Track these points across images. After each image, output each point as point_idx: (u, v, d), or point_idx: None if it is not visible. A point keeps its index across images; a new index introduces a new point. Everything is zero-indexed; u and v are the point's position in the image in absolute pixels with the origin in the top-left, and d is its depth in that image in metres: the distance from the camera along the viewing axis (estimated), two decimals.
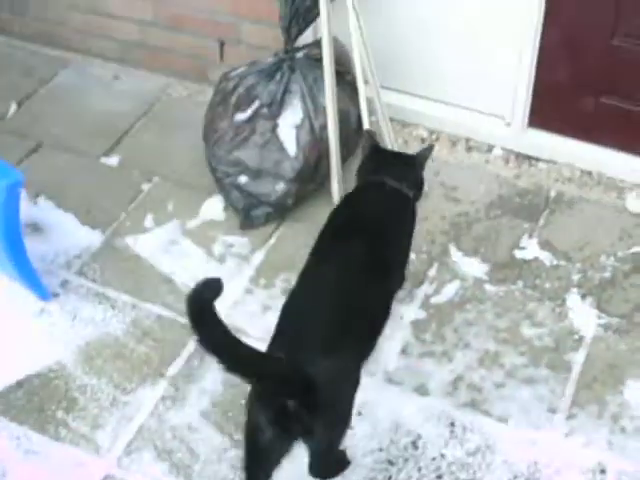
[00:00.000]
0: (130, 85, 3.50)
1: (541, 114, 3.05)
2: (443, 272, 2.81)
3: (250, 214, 2.91)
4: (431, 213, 2.96)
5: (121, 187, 3.10)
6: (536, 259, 2.84)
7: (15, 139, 3.27)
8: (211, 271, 2.80)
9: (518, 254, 2.86)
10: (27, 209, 2.90)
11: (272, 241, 2.91)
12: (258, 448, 2.15)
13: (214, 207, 3.00)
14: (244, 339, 2.54)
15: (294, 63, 2.89)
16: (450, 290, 2.76)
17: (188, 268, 2.83)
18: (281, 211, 2.93)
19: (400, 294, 2.71)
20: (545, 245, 2.88)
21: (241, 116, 2.89)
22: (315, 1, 2.78)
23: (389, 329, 2.60)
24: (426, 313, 2.70)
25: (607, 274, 2.80)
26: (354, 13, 2.81)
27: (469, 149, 3.18)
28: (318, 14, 2.83)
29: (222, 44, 3.28)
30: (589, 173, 3.08)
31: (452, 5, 2.95)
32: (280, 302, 2.66)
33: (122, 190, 3.08)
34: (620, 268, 2.81)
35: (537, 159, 3.12)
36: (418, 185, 2.56)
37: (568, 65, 2.92)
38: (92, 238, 2.92)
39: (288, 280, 2.77)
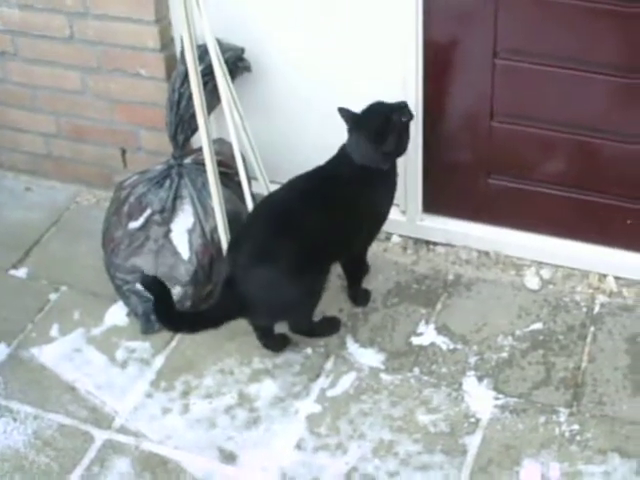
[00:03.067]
0: (41, 196, 3.56)
1: (434, 199, 3.10)
2: (339, 364, 2.82)
3: (150, 319, 2.93)
4: (328, 306, 3.00)
5: (29, 298, 3.13)
6: (433, 345, 2.86)
7: None
8: (114, 377, 2.84)
9: (415, 341, 2.88)
10: None
11: (173, 344, 2.93)
12: None
13: (118, 314, 3.03)
14: (144, 443, 2.64)
15: (182, 169, 2.96)
16: (346, 382, 2.77)
17: (91, 375, 2.85)
18: None
19: (295, 389, 2.75)
20: (442, 330, 2.90)
21: (134, 224, 2.95)
22: None
23: (282, 424, 2.66)
24: (321, 407, 2.70)
25: (504, 354, 2.82)
26: (237, 114, 2.89)
27: None
28: None
29: (123, 152, 3.36)
30: (486, 253, 3.12)
31: (335, 93, 3.02)
32: (180, 404, 2.74)
33: (29, 301, 3.12)
34: (518, 347, 2.83)
35: (435, 244, 3.17)
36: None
37: (453, 149, 2.99)
38: None
39: (188, 382, 2.80)
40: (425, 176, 3.05)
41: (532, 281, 3.01)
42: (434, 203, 3.11)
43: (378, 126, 2.72)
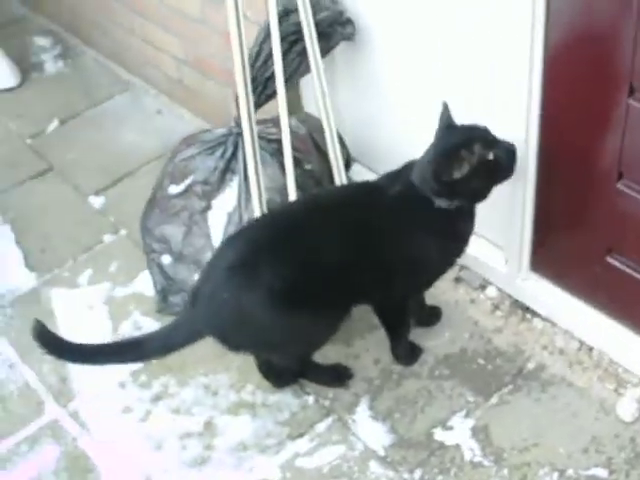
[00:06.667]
0: (167, 123, 3.21)
1: (546, 258, 2.32)
2: (334, 430, 2.22)
3: (168, 299, 2.51)
4: (365, 351, 2.39)
5: (89, 232, 2.84)
6: (456, 447, 2.15)
7: (33, 157, 3.15)
8: None
9: (438, 435, 2.18)
10: None
11: None
12: None
13: (149, 280, 2.63)
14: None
15: (241, 139, 2.41)
16: (327, 456, 2.17)
17: (87, 337, 2.45)
18: None
19: (267, 441, 2.21)
20: (479, 432, 2.18)
21: (174, 189, 2.49)
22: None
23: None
24: (282, 475, 2.14)
25: None
26: (319, 88, 2.32)
27: (457, 280, 2.52)
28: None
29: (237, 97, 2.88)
30: (590, 349, 2.30)
31: (445, 84, 2.33)
32: (143, 407, 2.33)
33: (87, 236, 2.83)
34: None
35: (534, 314, 2.39)
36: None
37: (569, 206, 2.18)
38: (25, 281, 2.69)
39: (166, 384, 2.38)
40: (538, 225, 2.28)
41: (628, 408, 2.16)
42: (545, 263, 2.34)
43: (451, 147, 2.02)
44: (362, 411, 2.26)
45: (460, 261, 2.44)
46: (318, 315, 2.08)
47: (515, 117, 2.12)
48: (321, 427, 2.24)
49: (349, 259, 2.05)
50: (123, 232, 2.82)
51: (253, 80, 2.40)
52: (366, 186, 2.20)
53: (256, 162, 2.27)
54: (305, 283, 2.03)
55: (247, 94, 2.22)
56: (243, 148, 2.41)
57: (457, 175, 1.99)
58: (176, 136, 3.03)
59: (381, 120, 2.56)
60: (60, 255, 2.78)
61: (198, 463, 2.20)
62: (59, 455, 2.25)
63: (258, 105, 2.44)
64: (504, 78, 2.11)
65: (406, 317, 2.30)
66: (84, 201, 2.96)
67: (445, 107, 2.08)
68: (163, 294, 2.52)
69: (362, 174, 2.66)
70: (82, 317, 2.58)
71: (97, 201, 2.95)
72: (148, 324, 2.52)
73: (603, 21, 1.88)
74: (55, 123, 3.27)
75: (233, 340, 2.11)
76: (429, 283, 2.25)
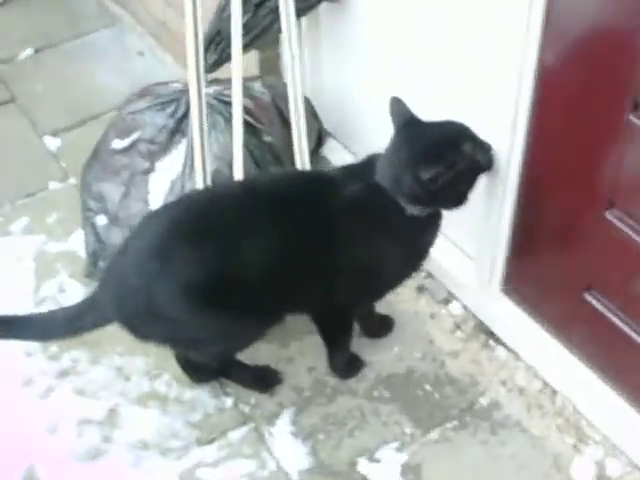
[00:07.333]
0: (147, 66, 2.93)
1: (519, 281, 2.02)
2: (248, 442, 1.95)
3: (98, 263, 2.25)
4: (300, 355, 2.10)
5: (35, 176, 2.58)
6: None
7: None
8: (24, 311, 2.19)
9: (362, 466, 1.90)
10: None
11: None
12: None
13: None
14: None
15: None
16: (234, 470, 1.90)
17: (4, 293, 2.26)
18: None
19: (172, 443, 1.95)
20: (410, 471, 1.89)
21: (118, 143, 2.21)
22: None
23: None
24: None
25: None
26: (289, 51, 2.02)
27: (421, 289, 2.22)
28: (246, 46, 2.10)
29: None
30: (553, 393, 1.99)
31: (434, 61, 2.03)
32: (45, 382, 2.08)
33: (32, 179, 2.57)
34: None
35: (498, 341, 2.09)
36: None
37: (549, 231, 1.88)
38: None
39: (76, 359, 2.11)
40: (514, 243, 1.97)
41: (584, 470, 1.86)
42: (518, 286, 2.03)
43: (435, 147, 1.73)
44: (283, 424, 1.99)
45: (426, 267, 2.17)
46: (241, 318, 1.79)
47: (500, 120, 1.81)
48: (234, 436, 1.97)
49: (286, 260, 1.76)
50: (72, 181, 2.56)
51: (217, 33, 2.13)
52: (319, 177, 1.91)
53: (202, 127, 1.98)
54: (229, 280, 1.73)
55: (197, 47, 1.94)
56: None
57: (443, 180, 1.70)
58: (154, 82, 2.77)
59: (363, 94, 2.26)
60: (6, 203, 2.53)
61: (91, 456, 1.95)
62: None
63: (220, 62, 2.15)
64: (493, 69, 1.79)
65: (349, 329, 2.01)
66: (39, 140, 2.69)
67: (397, 101, 1.78)
68: (94, 257, 2.26)
69: (337, 151, 2.39)
70: (5, 270, 2.34)
71: (53, 142, 2.69)
72: (73, 288, 2.28)
73: (607, 24, 1.56)
74: (29, 51, 3.00)
75: (141, 331, 1.83)
76: (380, 295, 1.96)
